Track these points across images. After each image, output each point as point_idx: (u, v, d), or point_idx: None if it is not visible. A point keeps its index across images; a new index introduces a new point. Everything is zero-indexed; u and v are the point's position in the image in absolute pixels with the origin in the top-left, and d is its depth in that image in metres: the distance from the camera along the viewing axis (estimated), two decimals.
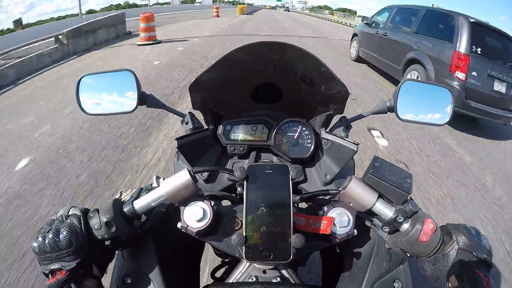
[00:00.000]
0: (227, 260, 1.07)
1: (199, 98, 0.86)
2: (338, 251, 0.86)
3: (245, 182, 0.62)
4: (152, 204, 0.64)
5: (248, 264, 0.71)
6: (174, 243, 0.80)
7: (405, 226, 0.61)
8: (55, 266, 0.59)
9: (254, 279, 0.69)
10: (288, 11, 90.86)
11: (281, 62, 0.78)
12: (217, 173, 0.88)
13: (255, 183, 0.62)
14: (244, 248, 0.60)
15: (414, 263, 0.67)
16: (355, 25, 21.29)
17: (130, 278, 0.70)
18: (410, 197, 0.64)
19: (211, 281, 0.97)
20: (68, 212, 0.63)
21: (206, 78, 0.78)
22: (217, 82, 0.82)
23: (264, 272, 0.70)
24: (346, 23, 35.18)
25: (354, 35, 8.62)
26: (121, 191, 0.70)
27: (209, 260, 1.84)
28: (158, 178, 0.67)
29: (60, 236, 0.58)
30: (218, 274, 1.05)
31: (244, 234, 0.60)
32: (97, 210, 0.62)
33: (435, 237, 0.59)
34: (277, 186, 0.62)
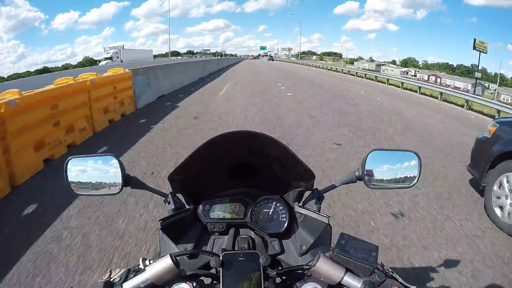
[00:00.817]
0: None
1: (179, 183, 0.93)
2: None
3: (220, 269, 0.70)
4: (140, 286, 0.70)
5: None
6: None
7: None
8: None
9: None
10: (273, 60, 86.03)
11: (254, 146, 0.87)
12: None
13: (230, 270, 0.70)
14: None
15: None
16: (354, 70, 23.17)
17: None
18: (382, 263, 0.71)
19: None
20: None
21: (184, 166, 0.86)
22: (196, 166, 0.89)
23: None
24: (342, 70, 33.46)
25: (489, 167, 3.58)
26: (110, 270, 0.77)
27: None
28: (144, 260, 0.73)
29: None
30: None
31: None
32: None
33: None
34: (249, 272, 0.70)
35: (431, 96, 16.07)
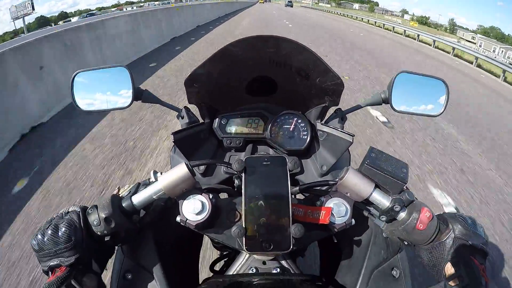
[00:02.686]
0: (225, 252, 1.11)
1: (195, 92, 0.88)
2: (335, 241, 0.88)
3: (243, 175, 0.65)
4: (152, 198, 0.66)
5: (247, 255, 0.73)
6: (173, 237, 0.82)
7: (402, 215, 0.64)
8: (54, 262, 0.60)
9: (254, 270, 0.71)
10: (292, 5, 66.71)
11: (276, 56, 0.81)
12: (214, 167, 0.91)
13: (253, 175, 0.65)
14: (244, 239, 0.62)
15: (412, 251, 0.70)
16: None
17: (131, 274, 0.72)
18: (407, 186, 0.67)
19: (210, 274, 0.99)
20: (67, 210, 0.65)
21: (201, 72, 0.81)
22: (213, 76, 0.85)
23: (264, 263, 0.72)
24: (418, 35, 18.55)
25: None
26: (118, 187, 0.72)
27: (207, 253, 1.85)
28: (155, 172, 0.69)
29: (59, 232, 0.60)
30: (217, 267, 1.08)
31: (243, 225, 0.62)
32: (96, 206, 0.63)
33: (431, 226, 0.62)
34: (275, 177, 0.65)
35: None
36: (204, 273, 1.07)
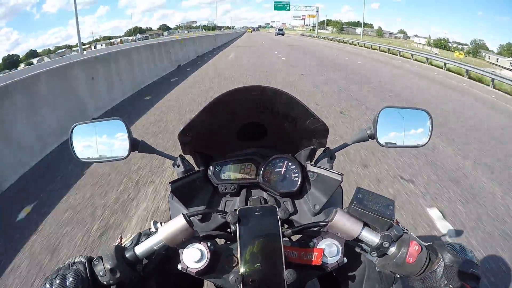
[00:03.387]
0: None
1: (188, 143, 0.93)
2: (334, 274, 0.90)
3: (237, 225, 0.69)
4: (153, 248, 0.70)
5: None
6: (176, 283, 0.85)
7: (392, 249, 0.67)
8: None
9: None
10: (283, 34, 61.59)
11: (263, 103, 0.86)
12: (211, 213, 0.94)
13: (247, 225, 0.69)
14: (241, 286, 0.65)
15: (406, 282, 0.73)
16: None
17: None
18: (397, 220, 0.70)
19: None
20: (74, 260, 0.69)
21: (194, 124, 0.86)
22: (205, 126, 0.89)
23: None
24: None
25: None
26: (120, 236, 0.76)
27: None
28: (155, 222, 0.73)
29: (67, 282, 0.63)
30: None
31: (240, 273, 0.65)
32: (101, 258, 0.67)
33: (421, 258, 0.64)
34: (267, 226, 0.69)
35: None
36: None
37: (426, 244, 0.68)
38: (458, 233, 2.82)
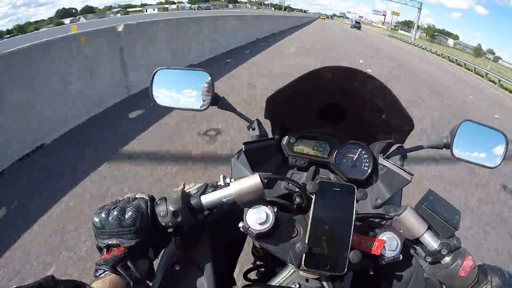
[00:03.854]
0: (260, 263, 1.14)
1: (272, 108, 0.95)
2: (371, 273, 0.91)
3: (314, 196, 0.68)
4: (221, 201, 0.70)
5: (293, 270, 0.77)
6: (227, 240, 0.88)
7: (447, 259, 0.67)
8: (113, 241, 0.63)
9: (297, 286, 0.74)
10: (359, 28, 57.86)
11: (354, 87, 0.86)
12: (276, 181, 0.95)
13: (323, 198, 0.68)
14: (304, 256, 0.66)
15: None
16: None
17: (179, 265, 0.77)
18: (455, 233, 0.70)
19: (243, 280, 1.03)
20: (135, 195, 0.69)
21: (282, 92, 0.87)
22: (291, 97, 0.91)
23: (307, 280, 0.74)
24: None
25: None
26: (184, 183, 0.76)
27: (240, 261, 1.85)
28: (225, 177, 0.74)
29: (126, 215, 0.64)
30: (251, 276, 1.11)
31: (307, 242, 0.66)
32: (165, 199, 0.68)
33: (472, 274, 0.65)
34: (342, 204, 0.68)
35: None
36: (237, 278, 1.06)
37: (478, 264, 0.68)
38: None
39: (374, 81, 0.79)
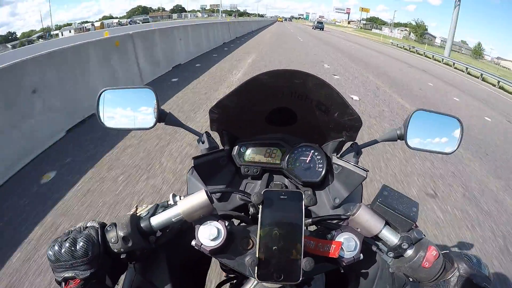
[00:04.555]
0: (232, 276, 1.11)
1: (217, 120, 0.93)
2: (342, 271, 0.89)
3: (260, 207, 0.68)
4: (170, 221, 0.69)
5: (256, 282, 0.76)
6: (184, 259, 0.86)
7: (409, 252, 0.68)
8: (69, 274, 0.63)
9: None
10: (322, 29, 55.30)
11: (299, 89, 0.86)
12: (230, 193, 0.94)
13: (270, 208, 0.67)
14: (256, 268, 0.65)
15: (416, 287, 0.72)
16: None
17: None
18: (416, 224, 0.70)
19: None
20: (86, 225, 0.68)
21: (225, 101, 0.86)
22: (236, 105, 0.90)
23: None
24: None
25: None
26: (136, 206, 0.75)
27: (212, 275, 1.86)
28: (174, 196, 0.73)
29: (77, 246, 0.63)
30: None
31: (257, 255, 0.65)
32: (115, 225, 0.67)
33: (437, 264, 0.65)
34: (290, 211, 0.68)
35: None
36: None
37: (443, 252, 0.69)
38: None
39: (318, 81, 0.79)
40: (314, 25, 59.80)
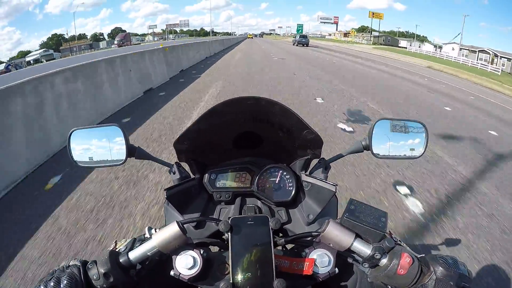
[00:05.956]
0: None
1: (184, 151, 0.96)
2: (326, 285, 0.90)
3: (229, 234, 0.71)
4: (146, 254, 0.72)
5: None
6: None
7: (384, 261, 0.69)
8: None
9: None
10: (307, 44, 42.51)
11: (259, 114, 0.89)
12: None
13: (239, 234, 0.71)
14: None
15: None
16: None
17: None
18: (390, 231, 0.73)
19: None
20: (68, 263, 0.70)
21: (190, 132, 0.89)
22: (201, 135, 0.92)
23: None
24: None
25: None
26: (115, 241, 0.78)
27: None
28: (150, 229, 0.76)
29: (61, 285, 0.65)
30: None
31: (231, 281, 0.67)
32: (95, 262, 0.69)
33: (412, 270, 0.66)
34: (258, 236, 0.71)
35: None
36: None
37: (418, 256, 0.70)
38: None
39: (275, 105, 0.83)
40: (295, 40, 45.15)
